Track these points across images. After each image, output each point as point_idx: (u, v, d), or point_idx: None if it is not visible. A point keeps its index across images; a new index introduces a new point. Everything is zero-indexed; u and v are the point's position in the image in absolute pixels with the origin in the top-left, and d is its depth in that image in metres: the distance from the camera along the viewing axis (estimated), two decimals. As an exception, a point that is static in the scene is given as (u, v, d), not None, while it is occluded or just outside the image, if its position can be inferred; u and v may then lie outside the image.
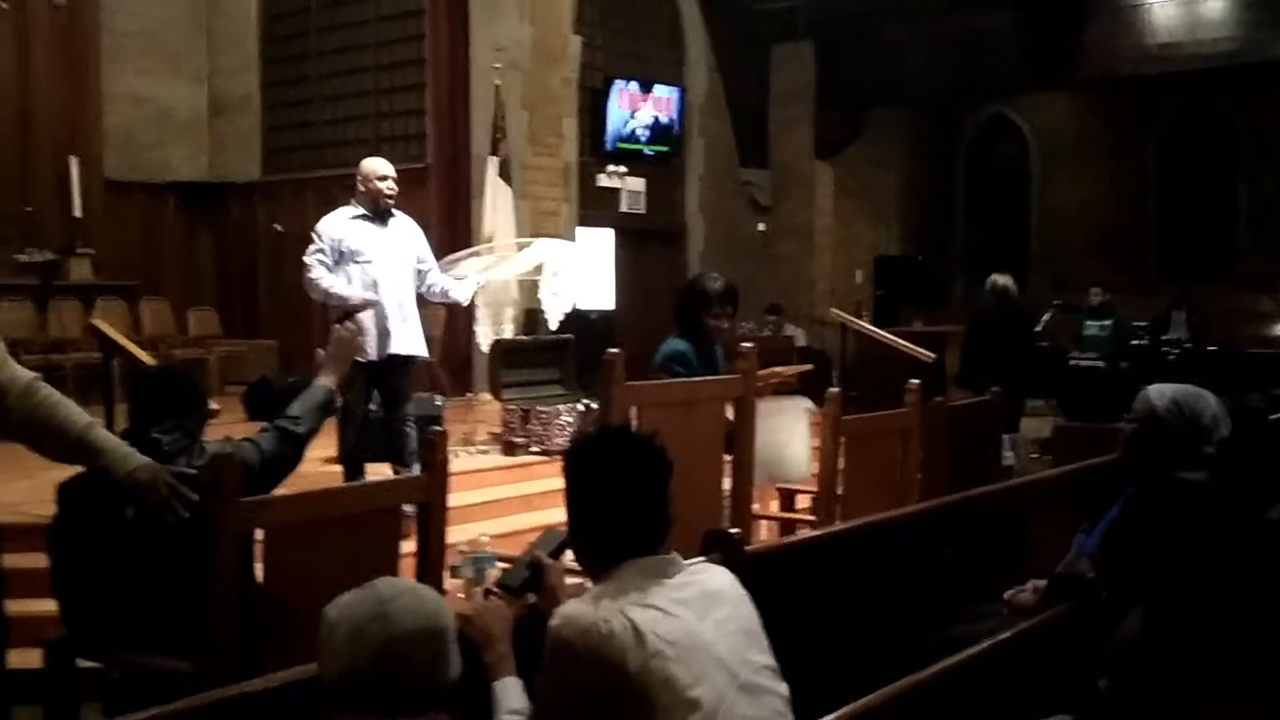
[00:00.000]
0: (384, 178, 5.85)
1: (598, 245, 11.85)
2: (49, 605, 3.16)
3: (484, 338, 8.22)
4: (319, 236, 5.76)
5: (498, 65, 10.04)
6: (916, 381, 4.92)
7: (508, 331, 8.30)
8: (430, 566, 3.08)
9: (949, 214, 15.98)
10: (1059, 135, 15.21)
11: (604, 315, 10.26)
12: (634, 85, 12.25)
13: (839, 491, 4.51)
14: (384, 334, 5.75)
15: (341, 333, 3.55)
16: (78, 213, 11.12)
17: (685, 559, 2.43)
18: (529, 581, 2.62)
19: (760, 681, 2.26)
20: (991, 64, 12.60)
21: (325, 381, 3.41)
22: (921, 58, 12.84)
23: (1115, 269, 13.41)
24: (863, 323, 9.75)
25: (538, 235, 9.42)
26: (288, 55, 12.63)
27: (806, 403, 4.63)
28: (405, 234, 5.98)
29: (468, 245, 8.90)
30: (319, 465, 6.08)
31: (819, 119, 13.44)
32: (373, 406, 5.95)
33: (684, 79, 13.04)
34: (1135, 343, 11.31)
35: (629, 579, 2.26)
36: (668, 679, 2.13)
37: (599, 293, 11.47)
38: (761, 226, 13.67)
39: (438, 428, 3.16)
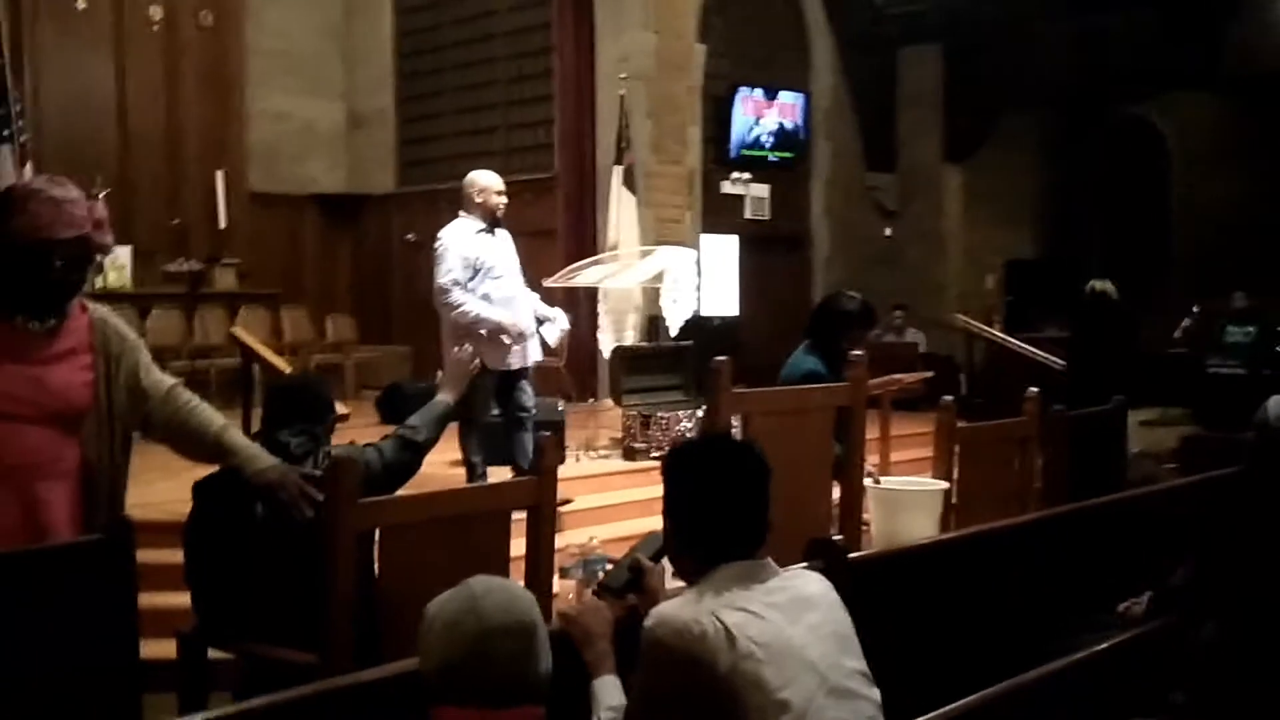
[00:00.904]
0: (500, 191, 5.98)
1: (721, 252, 11.90)
2: (184, 599, 3.36)
3: (606, 344, 8.36)
4: (452, 255, 5.78)
5: (623, 76, 10.20)
6: (1035, 389, 4.86)
7: (630, 338, 8.42)
8: (539, 568, 3.18)
9: (1085, 216, 15.55)
10: (1200, 134, 14.68)
11: (726, 321, 10.32)
12: (758, 92, 12.27)
13: (953, 501, 4.48)
14: (517, 346, 5.92)
15: (460, 355, 3.72)
16: (223, 224, 11.66)
17: (790, 567, 2.48)
18: (630, 583, 2.71)
19: (851, 686, 2.30)
20: (1128, 63, 12.25)
21: (445, 397, 3.61)
22: (1055, 58, 12.55)
23: (1261, 272, 12.89)
24: (988, 328, 9.60)
25: (661, 243, 9.55)
26: (421, 70, 13.00)
27: (943, 486, 4.51)
28: (510, 246, 6.12)
29: (593, 254, 9.07)
30: (445, 469, 6.28)
31: (947, 122, 13.24)
32: (495, 412, 6.12)
33: (809, 84, 13.00)
34: (1281, 349, 10.86)
35: (723, 582, 2.32)
36: (758, 680, 2.18)
37: (722, 299, 11.52)
38: (888, 231, 13.54)
39: (546, 433, 3.25)
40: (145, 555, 3.24)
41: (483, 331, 5.71)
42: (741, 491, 2.39)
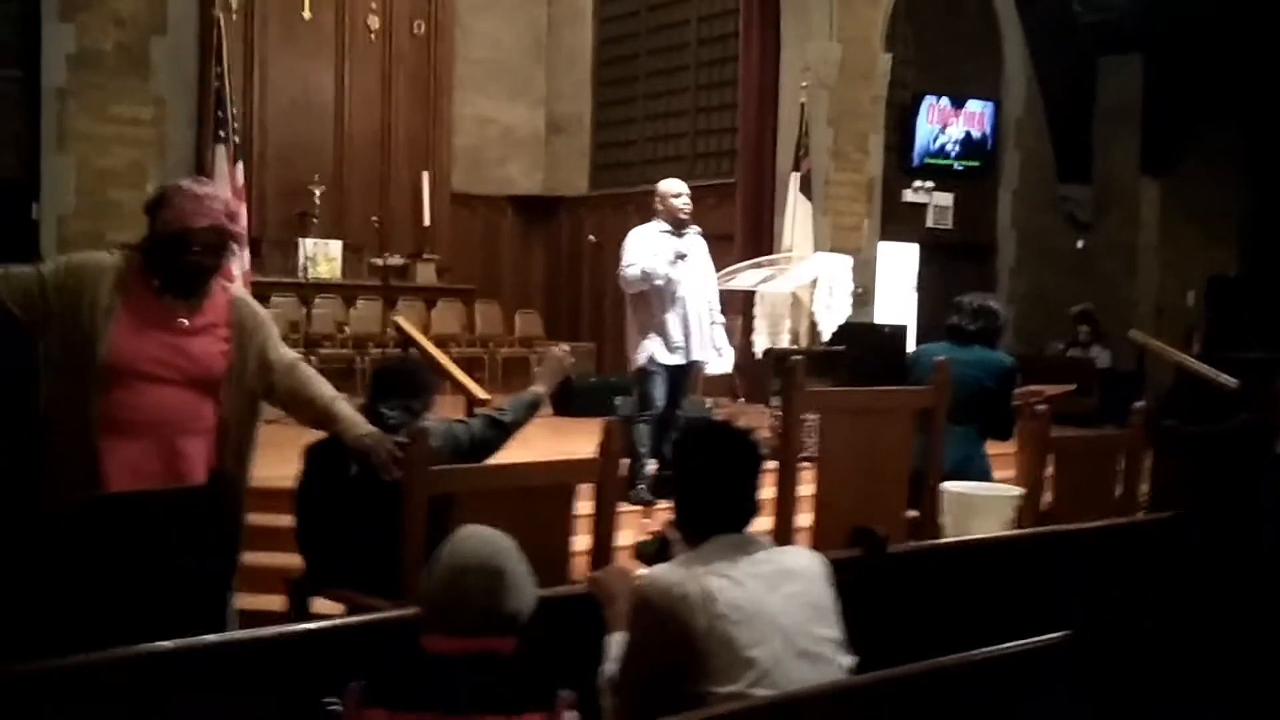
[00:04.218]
0: (678, 195, 6.39)
1: (899, 261, 11.93)
2: (294, 559, 3.82)
3: (759, 346, 8.59)
4: (631, 249, 6.27)
5: (804, 84, 10.38)
6: (1139, 404, 4.87)
7: (784, 341, 8.63)
8: (601, 543, 3.49)
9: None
10: None
11: (896, 329, 10.37)
12: (945, 100, 12.24)
13: (1042, 509, 4.55)
14: (683, 341, 6.26)
15: (555, 352, 4.08)
16: (427, 222, 12.44)
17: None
18: (659, 553, 3.02)
19: (821, 651, 2.52)
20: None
21: (538, 389, 3.98)
22: (1264, 65, 11.99)
23: None
24: (1162, 344, 9.32)
25: (838, 250, 9.71)
26: (617, 78, 13.50)
27: (1016, 491, 4.59)
28: (699, 248, 6.47)
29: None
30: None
31: (1147, 133, 12.83)
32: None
33: (1000, 92, 12.87)
34: None
35: (713, 552, 2.58)
36: (728, 639, 2.44)
37: (896, 307, 11.56)
38: (1080, 244, 13.22)
39: (618, 417, 3.55)
40: (261, 519, 3.71)
41: (653, 333, 6.18)
42: (733, 473, 2.65)
